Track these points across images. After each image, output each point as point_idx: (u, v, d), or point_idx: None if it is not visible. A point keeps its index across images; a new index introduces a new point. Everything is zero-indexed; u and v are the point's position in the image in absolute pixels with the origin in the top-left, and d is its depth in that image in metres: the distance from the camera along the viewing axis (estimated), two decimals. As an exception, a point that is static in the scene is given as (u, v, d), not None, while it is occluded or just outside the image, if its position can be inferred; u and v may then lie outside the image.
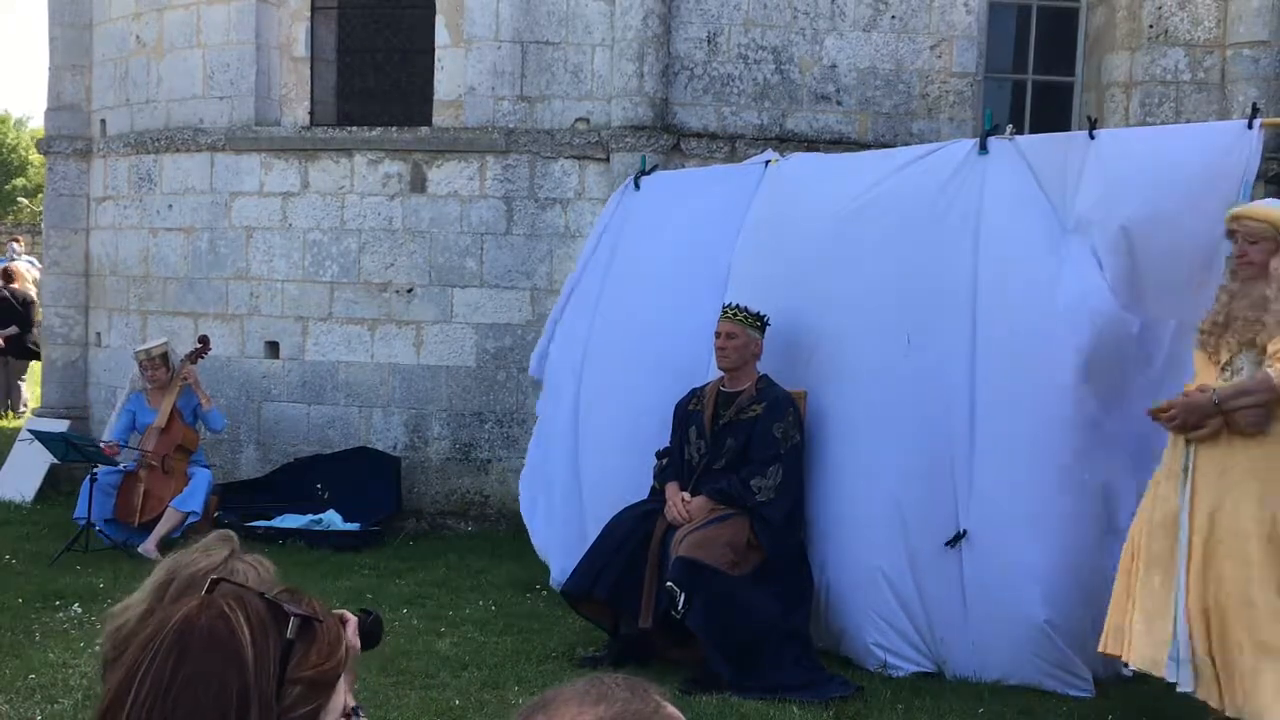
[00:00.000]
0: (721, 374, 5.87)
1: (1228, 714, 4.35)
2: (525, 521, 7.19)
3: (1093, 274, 5.35)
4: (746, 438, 5.64)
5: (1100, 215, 5.34)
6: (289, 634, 1.37)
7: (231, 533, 2.20)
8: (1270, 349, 4.40)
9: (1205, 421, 4.46)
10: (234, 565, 2.00)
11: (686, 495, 5.63)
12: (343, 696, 1.47)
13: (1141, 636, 4.50)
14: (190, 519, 7.49)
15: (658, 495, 5.81)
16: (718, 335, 5.79)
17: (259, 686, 1.32)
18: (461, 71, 8.50)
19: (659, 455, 5.92)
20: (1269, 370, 4.35)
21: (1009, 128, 5.81)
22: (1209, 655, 4.38)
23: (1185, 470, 4.51)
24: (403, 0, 8.92)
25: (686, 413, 5.91)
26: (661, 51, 8.21)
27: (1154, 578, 4.52)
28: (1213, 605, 4.38)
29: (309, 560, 7.34)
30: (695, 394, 5.94)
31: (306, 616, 1.39)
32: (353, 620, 1.61)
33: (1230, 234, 4.64)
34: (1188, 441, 4.52)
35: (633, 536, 5.58)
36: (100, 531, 7.51)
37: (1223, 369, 4.55)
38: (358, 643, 1.67)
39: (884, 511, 5.50)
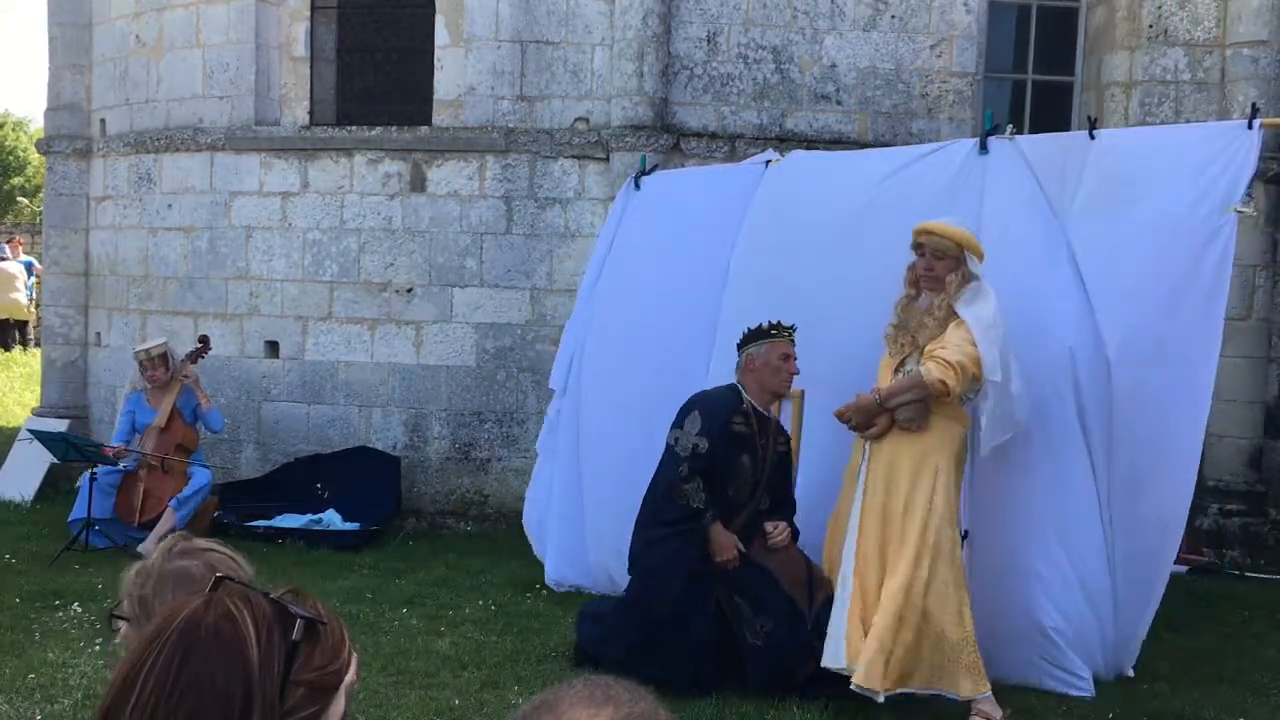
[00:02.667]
0: (751, 394, 5.37)
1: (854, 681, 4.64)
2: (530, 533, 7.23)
3: (1092, 274, 5.36)
4: (785, 471, 5.47)
5: (1100, 215, 5.35)
6: (294, 636, 1.36)
7: (185, 531, 2.21)
8: (926, 350, 4.80)
9: (875, 420, 4.89)
10: (210, 558, 2.01)
11: (737, 543, 5.22)
12: (344, 702, 1.46)
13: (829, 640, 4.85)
14: (180, 515, 7.46)
15: (683, 527, 5.25)
16: (786, 359, 5.34)
17: (263, 687, 1.32)
18: (461, 71, 8.50)
19: (695, 480, 5.20)
20: (920, 369, 4.76)
21: (1009, 127, 5.81)
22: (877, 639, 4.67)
23: (864, 461, 4.93)
24: (403, 0, 8.91)
25: (732, 435, 5.23)
26: (661, 51, 8.21)
27: (835, 575, 4.95)
28: (872, 586, 4.76)
29: (309, 560, 7.34)
30: (736, 410, 5.29)
31: (311, 619, 1.39)
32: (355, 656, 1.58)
33: (918, 246, 4.96)
34: (865, 440, 4.93)
35: (693, 619, 5.23)
36: (99, 531, 7.51)
37: (896, 371, 4.96)
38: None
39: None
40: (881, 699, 4.64)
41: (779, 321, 5.43)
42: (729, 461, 5.25)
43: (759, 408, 5.38)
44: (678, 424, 5.32)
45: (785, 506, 5.44)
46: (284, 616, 1.38)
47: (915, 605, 4.65)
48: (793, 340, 5.42)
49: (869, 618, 4.73)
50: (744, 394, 5.38)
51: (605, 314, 6.92)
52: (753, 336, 5.44)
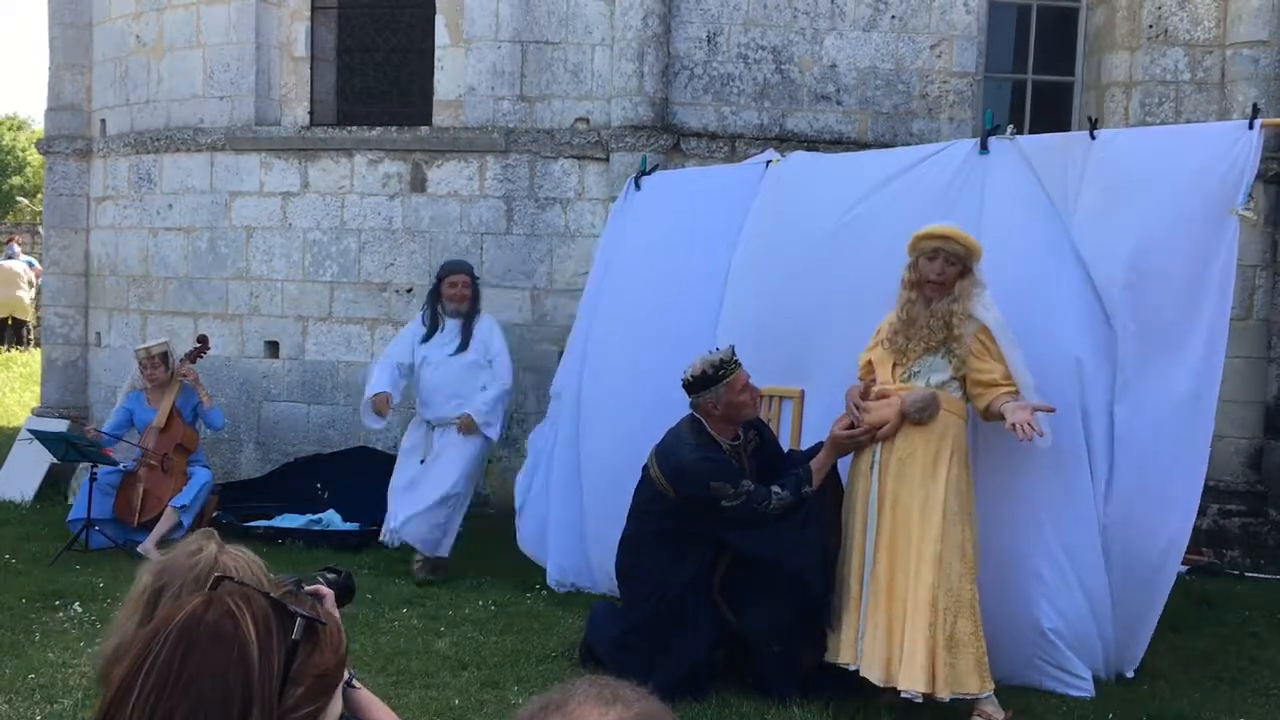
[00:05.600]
0: (715, 429, 5.26)
1: (898, 686, 4.71)
2: (517, 524, 7.23)
3: (1093, 274, 5.36)
4: (764, 460, 5.36)
5: (1101, 215, 5.35)
6: (294, 635, 1.37)
7: (212, 530, 2.20)
8: (980, 378, 4.86)
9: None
10: (224, 561, 2.01)
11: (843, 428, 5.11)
12: (340, 703, 1.47)
13: (840, 631, 5.00)
14: (183, 517, 7.48)
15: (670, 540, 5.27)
16: (745, 388, 5.21)
17: (262, 685, 1.32)
18: (461, 71, 8.50)
19: (771, 497, 5.09)
20: (1006, 409, 4.76)
21: (1009, 128, 5.80)
22: (887, 635, 4.77)
23: (873, 466, 4.96)
24: (403, 0, 8.92)
25: (735, 467, 5.27)
26: (661, 51, 8.21)
27: (848, 576, 4.99)
28: (896, 585, 4.80)
29: (309, 560, 7.33)
30: (722, 453, 5.25)
31: (311, 618, 1.39)
32: (329, 594, 1.62)
33: (934, 250, 4.93)
34: (876, 438, 4.95)
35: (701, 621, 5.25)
36: (98, 531, 7.52)
37: (897, 366, 4.98)
38: (337, 613, 1.69)
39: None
40: (918, 700, 4.68)
41: (719, 359, 5.21)
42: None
43: (727, 440, 5.27)
44: (710, 500, 5.08)
45: (784, 475, 5.24)
46: (284, 616, 1.38)
47: (943, 606, 4.70)
48: (739, 362, 5.22)
49: (886, 613, 4.80)
50: (712, 433, 5.24)
51: (606, 314, 6.92)
52: (700, 384, 5.21)
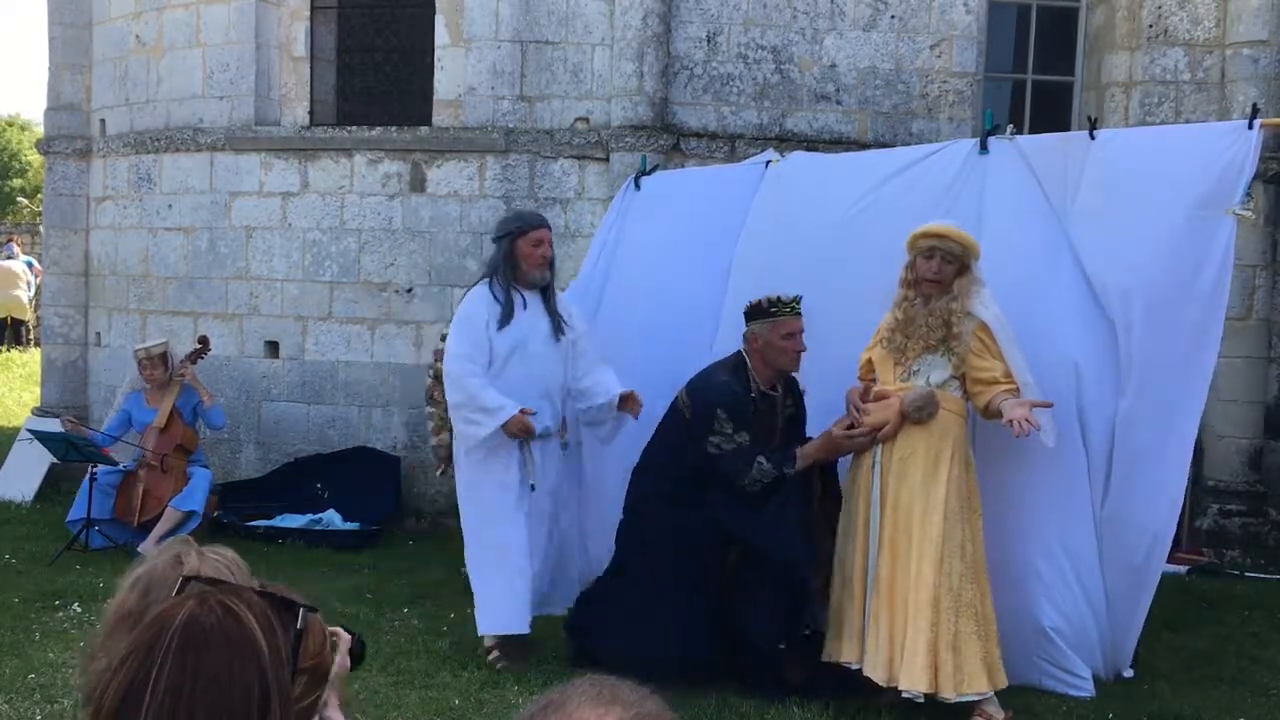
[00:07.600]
0: (755, 370, 5.28)
1: (899, 686, 4.73)
2: None
3: (1092, 273, 5.36)
4: (792, 434, 5.39)
5: (1100, 215, 5.35)
6: (299, 625, 1.38)
7: (190, 538, 2.20)
8: (978, 376, 4.87)
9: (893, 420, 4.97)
10: (206, 569, 2.01)
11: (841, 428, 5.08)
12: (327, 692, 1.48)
13: (842, 631, 5.00)
14: (193, 521, 7.49)
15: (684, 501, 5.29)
16: (789, 336, 5.24)
17: (277, 678, 1.33)
18: (461, 71, 8.50)
19: (755, 465, 5.09)
20: (1005, 406, 4.76)
21: (1009, 127, 5.80)
22: (889, 635, 4.78)
23: (874, 466, 4.97)
24: (403, 0, 8.92)
25: (754, 418, 5.23)
26: (661, 51, 8.21)
27: (851, 575, 5.00)
28: (898, 585, 4.81)
29: (308, 560, 7.34)
30: (748, 397, 5.24)
31: (310, 607, 1.40)
32: (345, 638, 1.62)
33: (929, 249, 4.95)
34: (877, 439, 4.96)
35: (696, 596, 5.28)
36: (98, 531, 7.52)
37: (897, 365, 5.00)
38: (348, 662, 1.68)
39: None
40: (920, 700, 4.69)
41: (779, 297, 5.28)
42: (748, 428, 5.26)
43: (763, 387, 5.31)
44: (707, 425, 5.16)
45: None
46: (284, 607, 1.39)
47: (945, 606, 4.71)
48: (797, 312, 5.26)
49: (889, 613, 4.81)
50: (750, 374, 5.30)
51: (606, 315, 6.91)
52: (753, 314, 5.33)
